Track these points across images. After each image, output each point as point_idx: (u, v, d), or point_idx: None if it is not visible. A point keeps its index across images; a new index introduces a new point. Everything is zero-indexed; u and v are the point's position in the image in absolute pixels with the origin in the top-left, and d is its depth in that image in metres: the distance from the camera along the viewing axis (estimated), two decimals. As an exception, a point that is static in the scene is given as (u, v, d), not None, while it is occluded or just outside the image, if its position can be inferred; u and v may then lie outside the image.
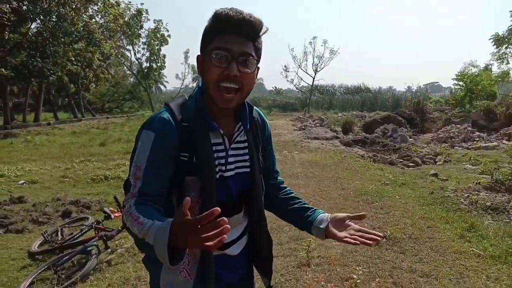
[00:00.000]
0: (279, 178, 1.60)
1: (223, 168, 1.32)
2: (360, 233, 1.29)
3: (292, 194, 1.56)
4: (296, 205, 1.50)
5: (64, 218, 5.17)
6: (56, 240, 4.22)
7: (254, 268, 1.59)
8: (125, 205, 1.21)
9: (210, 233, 0.89)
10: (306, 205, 1.50)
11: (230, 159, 1.33)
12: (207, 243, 0.89)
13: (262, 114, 1.52)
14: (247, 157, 1.38)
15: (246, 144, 1.38)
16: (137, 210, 1.13)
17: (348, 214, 1.36)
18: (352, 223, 1.34)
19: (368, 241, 1.25)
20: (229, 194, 1.34)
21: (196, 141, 1.25)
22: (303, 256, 3.79)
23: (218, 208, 0.90)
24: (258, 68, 1.32)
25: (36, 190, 6.84)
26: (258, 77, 1.39)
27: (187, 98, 1.35)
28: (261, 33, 1.29)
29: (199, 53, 1.31)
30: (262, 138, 1.46)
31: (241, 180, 1.37)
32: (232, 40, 1.22)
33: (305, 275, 3.47)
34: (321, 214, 1.42)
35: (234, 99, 1.25)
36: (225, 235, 0.90)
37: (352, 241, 1.26)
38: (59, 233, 4.41)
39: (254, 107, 1.46)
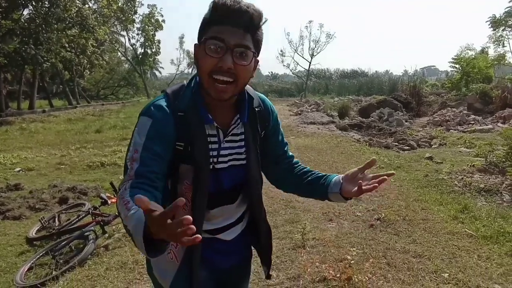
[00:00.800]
0: (293, 159, 1.56)
1: (215, 160, 1.30)
2: (373, 180, 1.24)
3: (305, 169, 1.51)
4: (309, 178, 1.46)
5: (61, 204, 5.20)
6: (53, 226, 4.25)
7: (253, 255, 1.60)
8: (120, 188, 1.17)
9: (178, 230, 0.80)
10: (319, 174, 1.45)
11: (223, 152, 1.31)
12: (181, 239, 0.81)
13: (267, 101, 1.46)
14: (243, 149, 1.35)
15: (242, 137, 1.35)
16: (129, 195, 1.08)
17: (359, 167, 1.30)
18: (364, 174, 1.30)
19: (381, 181, 1.22)
20: (220, 185, 1.33)
21: (191, 131, 1.24)
22: (298, 238, 3.84)
23: (182, 199, 0.80)
24: (258, 61, 1.28)
25: (33, 177, 6.85)
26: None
27: (185, 85, 1.32)
28: (260, 25, 1.23)
29: (196, 42, 1.26)
30: (265, 128, 1.43)
31: (235, 173, 1.35)
32: (228, 30, 1.17)
33: (300, 256, 3.53)
34: (334, 178, 1.37)
35: (227, 90, 1.20)
36: (199, 236, 0.80)
37: (369, 187, 1.21)
38: (56, 219, 4.44)
39: (258, 94, 1.42)
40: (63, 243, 3.69)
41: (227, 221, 1.41)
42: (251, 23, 1.20)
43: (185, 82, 1.34)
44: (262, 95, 1.46)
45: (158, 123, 1.20)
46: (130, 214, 1.00)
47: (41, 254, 3.61)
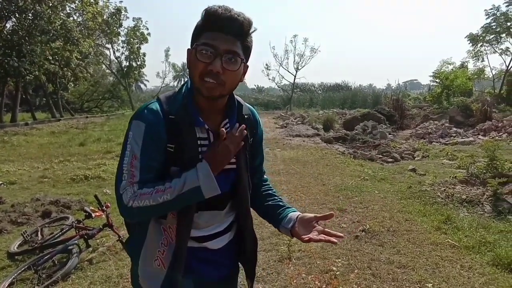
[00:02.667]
0: (264, 176, 1.63)
1: None
2: (322, 235, 1.31)
3: (270, 191, 1.59)
4: (270, 202, 1.54)
5: (44, 218, 5.10)
6: (36, 240, 4.16)
7: (239, 268, 1.59)
8: (121, 193, 1.23)
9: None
10: (280, 203, 1.53)
11: None
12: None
13: (256, 112, 1.53)
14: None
15: None
16: (148, 187, 1.22)
17: (316, 214, 1.37)
18: (317, 225, 1.36)
19: (332, 238, 1.29)
20: None
21: (182, 134, 1.28)
22: (284, 250, 3.85)
23: (223, 129, 1.12)
24: (247, 67, 1.34)
25: (15, 191, 6.72)
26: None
27: (176, 91, 1.37)
28: (249, 32, 1.29)
29: (188, 48, 1.32)
30: (253, 136, 1.47)
31: (226, 177, 1.37)
32: (218, 37, 1.23)
33: (286, 268, 3.54)
34: (290, 213, 1.43)
35: (217, 88, 1.25)
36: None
37: (316, 238, 1.29)
38: (39, 233, 4.35)
39: (247, 105, 1.48)
40: (45, 257, 3.61)
41: (216, 229, 1.42)
42: (241, 30, 1.26)
43: (176, 89, 1.39)
44: (251, 106, 1.52)
45: (151, 126, 1.26)
46: (179, 183, 1.22)
47: (23, 268, 3.53)
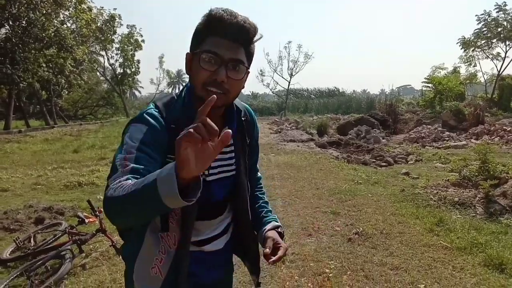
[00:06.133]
0: (258, 174, 1.63)
1: (206, 172, 1.29)
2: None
3: (257, 193, 1.60)
4: (256, 205, 1.56)
5: (37, 224, 5.07)
6: (28, 247, 4.14)
7: (234, 266, 1.62)
8: (109, 185, 1.07)
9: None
10: (263, 210, 1.55)
11: (213, 164, 1.29)
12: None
13: (252, 112, 1.50)
14: (232, 160, 1.37)
15: (232, 148, 1.37)
16: (132, 180, 1.03)
17: (272, 242, 1.39)
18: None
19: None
20: (212, 196, 1.34)
21: None
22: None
23: (214, 96, 0.93)
24: (249, 73, 1.27)
25: (7, 198, 6.67)
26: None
27: (175, 97, 1.30)
28: (254, 40, 1.24)
29: (188, 52, 1.25)
30: (250, 138, 1.46)
31: (225, 183, 1.37)
32: (223, 44, 1.16)
33: (279, 271, 3.54)
34: (269, 224, 1.47)
35: (221, 98, 1.18)
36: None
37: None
38: (32, 239, 4.32)
39: (244, 105, 1.45)
40: (38, 263, 3.59)
41: (213, 233, 1.42)
42: (246, 38, 1.21)
43: (174, 95, 1.32)
44: (247, 105, 1.49)
45: (154, 131, 1.18)
46: (147, 177, 0.96)
47: (16, 275, 3.50)
